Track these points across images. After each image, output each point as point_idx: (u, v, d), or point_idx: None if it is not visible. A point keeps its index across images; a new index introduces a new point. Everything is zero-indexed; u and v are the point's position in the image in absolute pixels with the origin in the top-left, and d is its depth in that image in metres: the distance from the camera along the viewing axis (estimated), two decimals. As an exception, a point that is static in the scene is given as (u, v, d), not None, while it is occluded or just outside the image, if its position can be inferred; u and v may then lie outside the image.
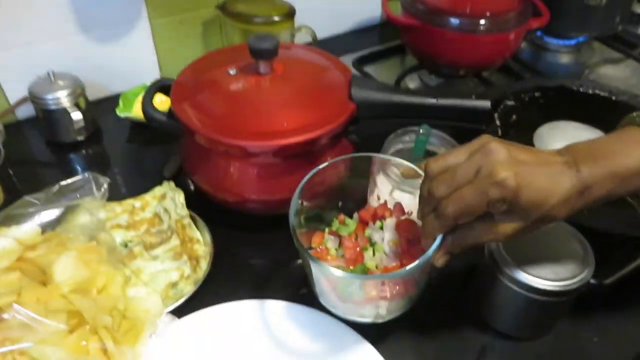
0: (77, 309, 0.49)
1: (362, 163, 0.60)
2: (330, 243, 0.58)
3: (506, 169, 0.41)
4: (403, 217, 0.59)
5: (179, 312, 0.58)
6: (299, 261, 0.65)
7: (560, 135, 0.73)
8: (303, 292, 0.60)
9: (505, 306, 0.56)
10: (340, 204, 0.62)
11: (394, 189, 0.62)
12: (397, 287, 0.51)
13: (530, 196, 0.41)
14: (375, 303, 0.52)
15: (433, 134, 0.65)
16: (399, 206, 0.60)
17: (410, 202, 0.59)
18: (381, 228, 0.59)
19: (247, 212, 0.69)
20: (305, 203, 0.56)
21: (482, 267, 0.58)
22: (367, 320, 0.55)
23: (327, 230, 0.60)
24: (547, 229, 0.55)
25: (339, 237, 0.58)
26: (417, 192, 0.50)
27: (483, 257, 0.57)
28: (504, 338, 0.57)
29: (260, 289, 0.62)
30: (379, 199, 0.62)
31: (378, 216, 0.60)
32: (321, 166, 0.57)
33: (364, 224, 0.60)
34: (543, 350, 0.57)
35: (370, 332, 0.56)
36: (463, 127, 0.75)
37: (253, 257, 0.67)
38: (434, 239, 0.47)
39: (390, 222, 0.58)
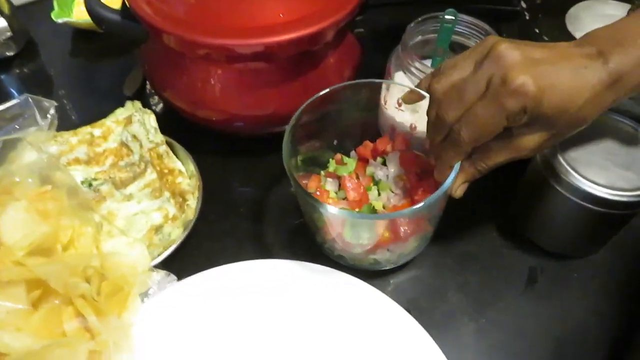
0: (38, 276, 0.37)
1: (362, 91, 0.49)
2: (329, 185, 0.49)
3: (522, 72, 0.34)
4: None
5: (171, 263, 0.47)
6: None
7: (598, 15, 0.62)
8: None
9: (559, 221, 0.47)
10: (335, 142, 0.52)
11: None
12: (411, 226, 0.43)
13: (554, 100, 0.35)
14: (387, 246, 0.44)
15: (461, 20, 0.52)
16: (401, 137, 0.50)
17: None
18: (384, 164, 0.50)
19: (233, 132, 0.57)
20: (299, 146, 0.46)
21: (531, 177, 0.48)
22: (378, 267, 0.47)
23: (323, 173, 0.50)
24: (612, 129, 0.46)
25: (338, 178, 0.49)
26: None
27: (531, 164, 0.47)
28: (553, 258, 0.50)
29: (260, 223, 0.52)
30: (399, 104, 0.51)
31: (379, 152, 0.50)
32: (316, 96, 0.46)
33: (363, 161, 0.51)
34: (599, 268, 0.50)
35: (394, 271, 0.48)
36: (492, 10, 0.62)
37: (246, 186, 0.56)
38: (450, 170, 0.41)
39: (393, 156, 0.49)
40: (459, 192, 0.43)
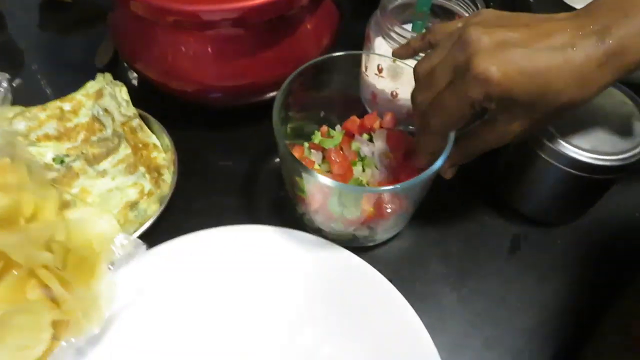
0: (-1, 249, 0.35)
1: (347, 63, 0.48)
2: (313, 157, 0.47)
3: (486, 59, 0.33)
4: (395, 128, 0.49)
5: (147, 239, 0.46)
6: (277, 160, 0.53)
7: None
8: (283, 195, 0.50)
9: (542, 188, 0.47)
10: (322, 114, 0.51)
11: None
12: (395, 204, 0.42)
13: (525, 85, 0.33)
14: (368, 223, 0.44)
15: (442, -20, 0.51)
16: (390, 116, 0.49)
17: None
18: (370, 140, 0.49)
19: (209, 104, 0.55)
20: (290, 112, 0.45)
21: (514, 143, 0.47)
22: (356, 244, 0.47)
23: (306, 144, 0.49)
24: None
25: (322, 151, 0.48)
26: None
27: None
28: (536, 225, 0.49)
29: (240, 197, 0.51)
30: (379, 71, 0.49)
31: (366, 128, 0.49)
32: (307, 64, 0.45)
33: (349, 137, 0.50)
34: (582, 234, 0.49)
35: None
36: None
37: (224, 160, 0.54)
38: (426, 155, 0.40)
39: (380, 133, 0.48)
40: (448, 174, 0.43)
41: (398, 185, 0.38)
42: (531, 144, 0.44)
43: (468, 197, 0.51)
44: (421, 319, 0.41)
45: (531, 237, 0.49)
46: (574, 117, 0.43)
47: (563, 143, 0.42)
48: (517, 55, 0.33)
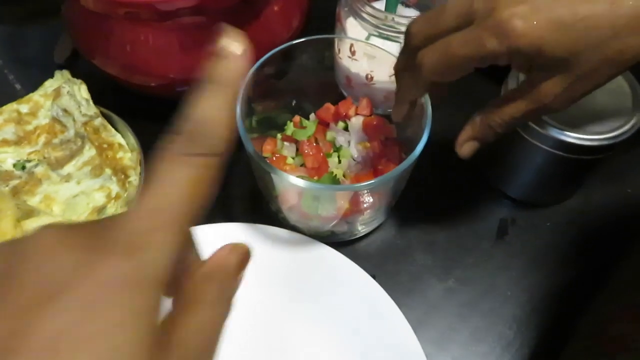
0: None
1: (318, 47, 0.45)
2: (286, 151, 0.45)
3: (510, 5, 0.28)
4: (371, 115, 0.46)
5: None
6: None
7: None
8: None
9: (529, 170, 0.45)
10: (293, 102, 0.48)
11: (370, 36, 0.46)
12: (373, 198, 0.40)
13: (558, 38, 0.28)
14: (346, 219, 0.41)
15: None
16: (366, 102, 0.46)
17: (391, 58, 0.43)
18: (345, 129, 0.46)
19: (174, 98, 0.52)
20: (254, 104, 0.42)
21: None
22: (334, 239, 0.45)
23: (279, 136, 0.46)
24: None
25: (296, 142, 0.45)
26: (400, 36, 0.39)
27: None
28: (524, 207, 0.48)
29: (213, 196, 0.48)
30: (352, 53, 0.46)
31: (341, 115, 0.46)
32: (275, 50, 0.42)
33: (324, 125, 0.47)
34: (570, 216, 0.47)
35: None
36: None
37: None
38: (406, 105, 0.36)
39: (356, 121, 0.46)
40: (465, 149, 0.37)
41: (373, 181, 0.36)
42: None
43: (452, 182, 0.49)
44: (407, 313, 0.40)
45: (519, 221, 0.47)
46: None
47: (547, 124, 0.40)
48: (549, 2, 0.28)
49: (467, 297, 0.43)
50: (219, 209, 0.48)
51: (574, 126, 0.39)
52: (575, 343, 0.38)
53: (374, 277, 0.42)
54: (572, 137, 0.39)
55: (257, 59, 0.42)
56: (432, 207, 0.48)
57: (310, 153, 0.43)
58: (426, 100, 0.38)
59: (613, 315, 0.37)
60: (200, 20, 0.45)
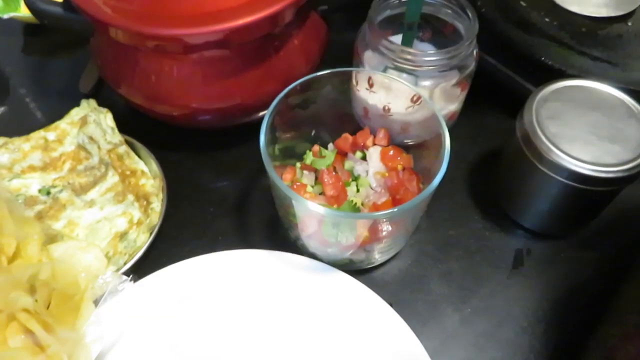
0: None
1: (336, 79, 0.46)
2: (306, 179, 0.46)
3: None
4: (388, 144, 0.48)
5: (138, 270, 0.44)
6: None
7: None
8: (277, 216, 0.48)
9: (543, 201, 0.45)
10: (313, 132, 0.49)
11: (386, 68, 0.48)
12: (393, 226, 0.41)
13: None
14: (364, 247, 0.42)
15: (431, -10, 0.49)
16: (384, 133, 0.48)
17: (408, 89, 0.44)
18: (363, 158, 0.47)
19: (196, 127, 0.54)
20: (278, 133, 0.43)
21: (512, 155, 0.46)
22: (352, 267, 0.45)
23: (298, 164, 0.47)
24: (595, 100, 0.43)
25: (315, 171, 0.46)
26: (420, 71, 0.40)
27: (511, 140, 0.45)
28: (539, 238, 0.48)
29: (232, 220, 0.49)
30: (370, 85, 0.48)
31: (359, 145, 0.48)
32: (300, 81, 0.43)
33: (342, 155, 0.48)
34: (587, 246, 0.47)
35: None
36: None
37: (215, 183, 0.53)
38: None
39: (374, 151, 0.47)
40: None
41: (394, 210, 0.37)
42: (529, 155, 0.43)
43: (467, 211, 0.50)
44: (424, 342, 0.40)
45: (534, 252, 0.47)
46: (573, 126, 0.42)
47: (562, 155, 0.40)
48: None
49: (484, 327, 0.43)
50: (238, 236, 0.48)
51: (590, 158, 0.40)
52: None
53: (391, 305, 0.42)
54: (587, 168, 0.40)
55: (279, 90, 0.44)
56: (447, 237, 0.48)
57: (330, 182, 0.44)
58: (444, 132, 0.40)
59: (619, 338, 0.37)
60: (223, 54, 0.46)
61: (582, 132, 0.41)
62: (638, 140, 0.41)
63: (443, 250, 0.47)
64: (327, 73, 0.44)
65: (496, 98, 0.55)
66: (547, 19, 0.54)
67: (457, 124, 0.53)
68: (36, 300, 0.36)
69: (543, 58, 0.50)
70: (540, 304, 0.44)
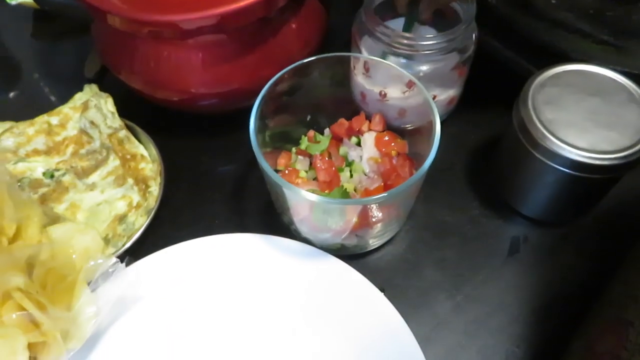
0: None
1: (337, 63, 0.46)
2: (300, 164, 0.46)
3: None
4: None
5: (135, 252, 0.45)
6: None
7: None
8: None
9: (540, 188, 0.44)
10: (308, 117, 0.49)
11: (386, 55, 0.47)
12: (383, 212, 0.40)
13: None
14: (355, 232, 0.42)
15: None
16: (379, 118, 0.48)
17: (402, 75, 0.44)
18: (358, 144, 0.47)
19: (195, 112, 0.54)
20: (268, 120, 0.43)
21: (508, 142, 0.45)
22: (345, 252, 0.45)
23: (294, 149, 0.48)
24: (593, 85, 0.42)
25: (309, 156, 0.47)
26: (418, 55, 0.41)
27: (509, 126, 0.44)
28: (537, 225, 0.47)
29: (228, 205, 0.50)
30: (366, 70, 0.47)
31: (354, 131, 0.48)
32: (287, 69, 0.43)
33: (337, 140, 0.48)
34: (585, 234, 0.47)
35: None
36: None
37: (213, 167, 0.53)
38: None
39: (368, 136, 0.47)
40: (424, 15, 0.46)
41: (380, 195, 0.37)
42: (525, 143, 0.42)
43: (464, 197, 0.49)
44: (414, 329, 0.40)
45: (531, 239, 0.47)
46: (570, 112, 0.41)
47: (557, 142, 0.39)
48: None
49: (476, 315, 0.43)
50: (234, 220, 0.49)
51: (586, 144, 0.39)
52: (568, 358, 0.37)
53: (383, 291, 0.42)
54: (582, 155, 0.39)
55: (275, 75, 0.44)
56: (443, 223, 0.48)
57: (323, 167, 0.44)
58: (434, 117, 0.39)
59: (599, 331, 0.37)
60: (221, 38, 0.46)
61: (579, 118, 0.40)
62: (637, 127, 0.40)
63: (439, 236, 0.47)
64: (317, 58, 0.44)
65: (498, 83, 0.53)
66: (553, 0, 0.52)
67: (457, 109, 0.52)
68: (32, 280, 0.38)
69: (548, 41, 0.49)
70: (533, 292, 0.44)
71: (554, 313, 0.43)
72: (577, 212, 0.47)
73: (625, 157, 0.38)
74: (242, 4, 0.42)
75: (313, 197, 0.36)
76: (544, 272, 0.45)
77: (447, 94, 0.50)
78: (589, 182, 0.41)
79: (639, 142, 0.39)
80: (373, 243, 0.45)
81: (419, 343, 0.39)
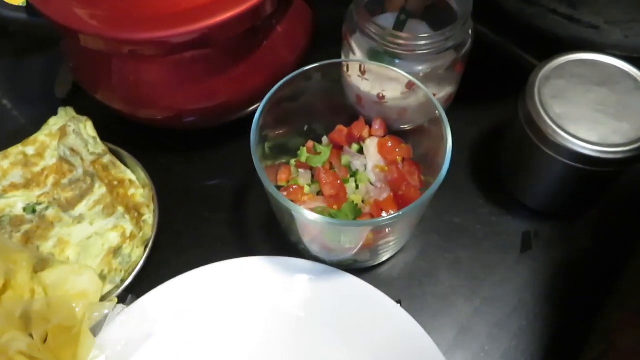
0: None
1: (331, 69, 0.44)
2: (302, 179, 0.44)
3: None
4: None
5: (135, 287, 0.43)
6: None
7: None
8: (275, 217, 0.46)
9: (549, 182, 0.44)
10: (305, 127, 0.46)
11: (376, 52, 0.45)
12: (399, 224, 0.39)
13: None
14: (369, 247, 0.40)
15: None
16: (380, 122, 0.45)
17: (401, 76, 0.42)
18: (360, 151, 0.45)
19: (182, 129, 0.51)
20: (267, 131, 0.41)
21: (515, 136, 0.44)
22: (357, 266, 0.44)
23: (293, 162, 0.45)
24: (601, 75, 0.41)
25: (311, 168, 0.44)
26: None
27: (514, 121, 0.43)
28: (546, 219, 0.47)
29: (229, 225, 0.47)
30: (362, 72, 0.45)
31: (354, 137, 0.45)
32: (286, 79, 0.41)
33: (337, 149, 0.46)
34: (596, 225, 0.46)
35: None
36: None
37: (208, 186, 0.50)
38: None
39: (371, 143, 0.45)
40: None
41: (399, 213, 0.35)
42: (533, 138, 0.41)
43: (472, 196, 0.48)
44: (437, 337, 0.39)
45: (542, 233, 0.46)
46: (578, 104, 0.40)
47: (568, 137, 0.38)
48: None
49: (497, 317, 0.42)
50: (237, 240, 0.47)
51: (597, 138, 0.38)
52: (586, 354, 0.37)
53: (399, 302, 0.41)
54: (594, 150, 0.38)
55: (266, 84, 0.41)
56: (453, 224, 0.47)
57: (328, 181, 0.42)
58: (445, 127, 0.37)
59: (620, 322, 0.36)
60: (205, 52, 0.43)
61: (587, 110, 0.40)
62: (643, 119, 0.39)
63: (449, 238, 0.46)
64: (318, 66, 0.41)
65: (494, 76, 0.53)
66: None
67: (454, 105, 0.51)
68: (31, 336, 0.35)
69: (542, 28, 0.48)
70: (551, 288, 0.43)
71: (574, 307, 0.42)
72: (587, 203, 0.46)
73: (637, 149, 0.38)
74: (230, 13, 0.39)
75: (327, 221, 0.34)
76: (558, 266, 0.44)
77: (445, 91, 0.48)
78: (600, 175, 0.40)
79: (644, 134, 0.38)
80: (386, 254, 0.43)
81: (443, 351, 0.38)
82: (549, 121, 0.39)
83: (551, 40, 0.47)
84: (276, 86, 0.40)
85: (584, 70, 0.41)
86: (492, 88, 0.53)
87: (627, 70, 0.41)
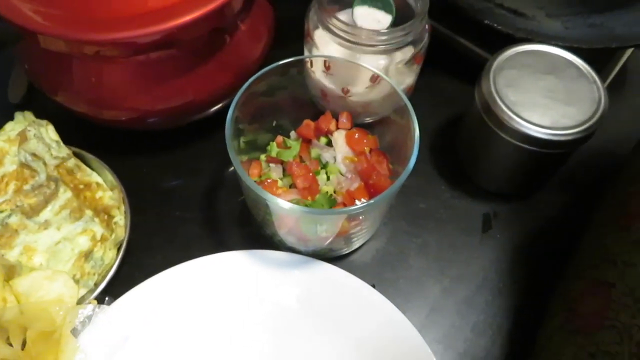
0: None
1: (292, 65, 0.44)
2: (274, 173, 0.45)
3: None
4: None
5: (111, 289, 0.42)
6: (231, 168, 0.50)
7: None
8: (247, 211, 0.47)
9: (505, 165, 0.47)
10: (274, 123, 0.47)
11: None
12: (372, 212, 0.40)
13: None
14: (344, 235, 0.42)
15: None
16: (346, 116, 0.47)
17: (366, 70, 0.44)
18: (329, 144, 0.46)
19: (148, 129, 0.51)
20: (242, 124, 0.41)
21: (473, 123, 0.47)
22: (332, 254, 0.45)
23: (263, 157, 0.46)
24: (548, 65, 0.44)
25: (281, 163, 0.45)
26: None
27: (470, 108, 0.46)
28: (504, 200, 0.50)
29: (202, 222, 0.48)
30: (327, 68, 0.46)
31: (322, 131, 0.47)
32: (264, 70, 0.42)
33: (306, 142, 0.47)
34: (550, 202, 0.50)
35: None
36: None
37: (178, 185, 0.50)
38: None
39: (338, 135, 0.46)
40: None
41: (372, 201, 0.37)
42: (490, 124, 0.44)
43: (435, 182, 0.51)
44: (410, 318, 0.41)
45: (500, 214, 0.49)
46: (530, 91, 0.43)
47: (523, 123, 0.41)
48: None
49: (464, 294, 0.45)
50: (211, 237, 0.47)
51: (549, 122, 0.41)
52: (548, 321, 0.40)
53: (373, 286, 0.43)
54: (548, 133, 0.41)
55: (232, 82, 0.42)
56: (418, 210, 0.49)
57: (300, 174, 0.43)
58: (412, 118, 0.39)
59: (579, 292, 0.40)
60: (170, 53, 0.43)
61: (539, 97, 0.43)
62: (591, 100, 0.43)
63: (416, 224, 0.48)
64: (288, 62, 0.42)
65: (450, 65, 0.55)
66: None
67: (415, 95, 0.53)
68: (10, 344, 0.34)
69: (489, 22, 0.51)
70: (512, 263, 0.46)
71: (534, 280, 0.46)
72: (540, 183, 0.50)
73: (586, 129, 0.41)
74: (195, 14, 0.40)
75: (304, 210, 0.35)
76: (519, 243, 0.47)
77: (406, 83, 0.50)
78: (552, 156, 0.43)
79: (594, 114, 0.42)
80: (358, 241, 0.45)
81: (417, 331, 0.41)
82: (505, 108, 0.42)
83: (501, 33, 0.50)
84: (251, 79, 0.41)
85: (533, 60, 0.45)
86: (449, 80, 0.56)
87: (570, 59, 0.44)
